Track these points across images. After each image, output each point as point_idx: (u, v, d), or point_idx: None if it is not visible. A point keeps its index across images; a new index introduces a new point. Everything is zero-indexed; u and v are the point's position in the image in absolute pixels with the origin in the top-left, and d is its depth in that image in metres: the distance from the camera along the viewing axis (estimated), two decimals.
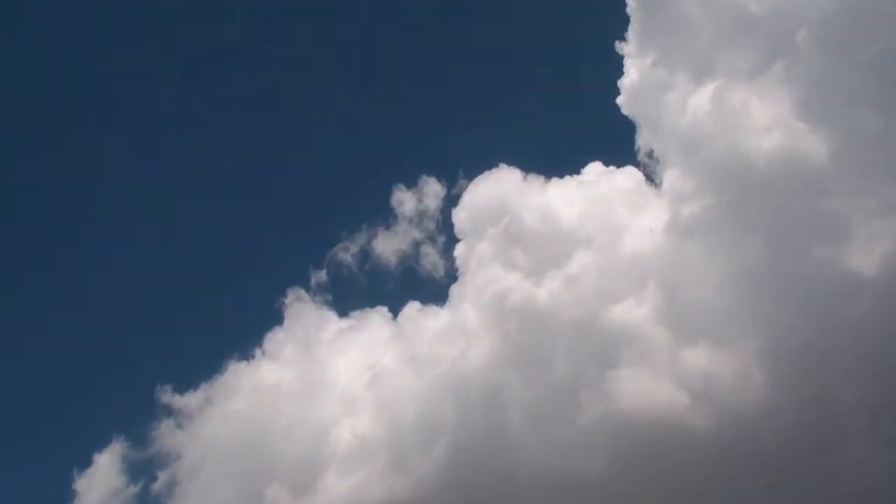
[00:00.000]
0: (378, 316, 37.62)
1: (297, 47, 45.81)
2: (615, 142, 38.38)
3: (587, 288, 34.08)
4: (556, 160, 39.36)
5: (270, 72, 45.13)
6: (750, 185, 32.33)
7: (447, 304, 36.46)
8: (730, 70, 34.23)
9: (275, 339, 37.42)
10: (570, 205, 36.64)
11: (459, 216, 37.76)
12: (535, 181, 37.64)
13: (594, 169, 37.90)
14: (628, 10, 35.87)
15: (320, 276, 39.35)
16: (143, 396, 36.66)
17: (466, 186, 38.12)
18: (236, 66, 45.57)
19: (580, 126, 42.05)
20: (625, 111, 36.30)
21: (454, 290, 36.60)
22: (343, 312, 38.13)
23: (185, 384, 36.55)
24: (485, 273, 35.87)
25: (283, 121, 45.58)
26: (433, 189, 40.41)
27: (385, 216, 40.39)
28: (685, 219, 33.84)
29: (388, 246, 39.95)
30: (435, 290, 38.28)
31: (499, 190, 37.33)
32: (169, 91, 44.68)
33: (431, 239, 40.01)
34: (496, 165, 37.96)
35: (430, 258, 39.73)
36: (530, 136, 41.98)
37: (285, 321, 37.86)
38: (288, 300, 38.14)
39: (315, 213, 44.64)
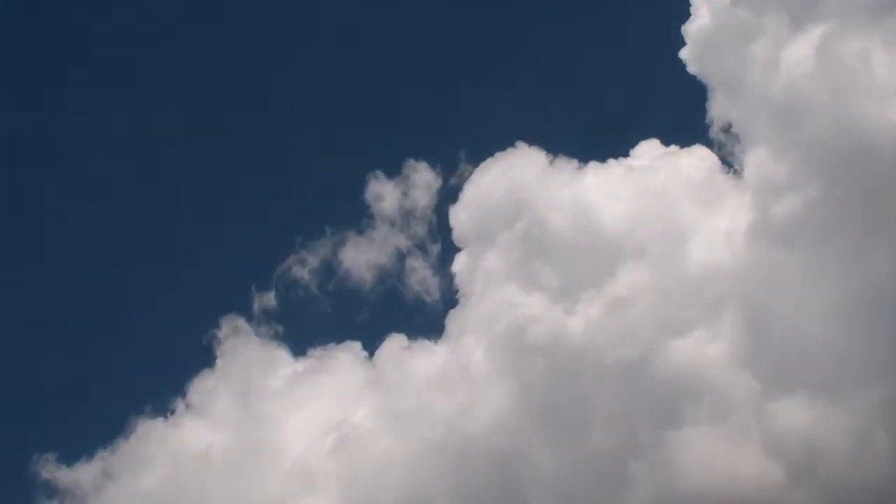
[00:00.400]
0: (347, 355, 37.23)
1: None
2: (678, 112, 39.03)
3: (639, 316, 33.54)
4: (595, 138, 39.22)
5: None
6: (872, 173, 31.90)
7: (443, 338, 36.14)
8: (843, 9, 34.03)
9: (203, 387, 37.16)
10: (616, 200, 36.10)
11: (460, 217, 37.40)
12: (567, 167, 37.32)
13: (649, 150, 37.43)
14: None
15: (266, 299, 39.14)
16: (15, 470, 36.46)
17: (470, 175, 37.90)
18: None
19: (629, 90, 41.96)
20: (692, 69, 36.15)
21: (453, 318, 36.33)
22: (298, 350, 37.90)
23: (75, 452, 36.33)
24: (496, 295, 35.50)
25: (215, 86, 45.10)
26: (424, 178, 40.12)
27: (357, 216, 40.24)
28: (777, 220, 33.32)
29: (360, 257, 39.81)
30: (426, 320, 38.32)
31: (515, 179, 36.99)
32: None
33: (421, 248, 39.76)
34: (512, 145, 37.67)
35: (420, 274, 39.47)
36: (559, 105, 42.19)
37: (217, 362, 37.58)
38: (221, 333, 38.04)
39: (259, 213, 43.84)
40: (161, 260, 42.33)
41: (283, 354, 37.85)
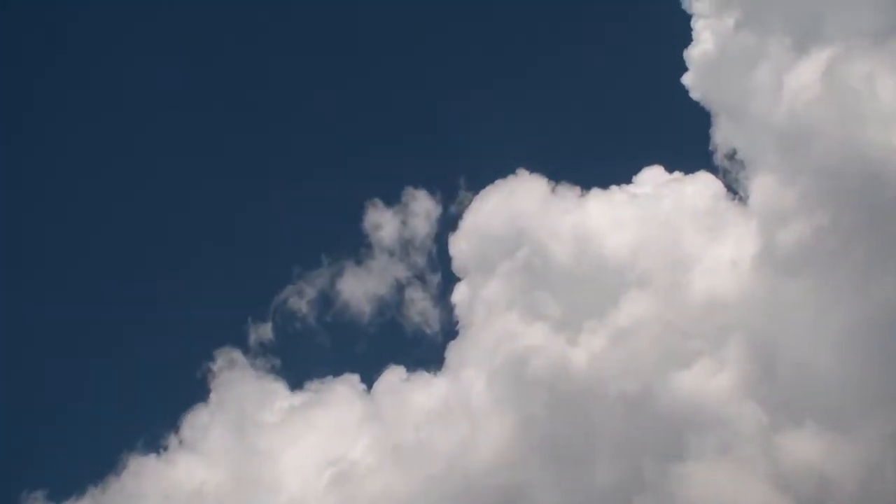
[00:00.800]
0: (345, 388, 37.20)
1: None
2: (682, 138, 38.75)
3: (643, 347, 33.70)
4: (597, 165, 39.21)
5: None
6: (880, 199, 32.07)
7: (443, 370, 36.22)
8: (847, 32, 34.35)
9: (197, 421, 36.95)
10: (619, 228, 36.30)
11: (460, 246, 37.68)
12: (569, 194, 37.63)
13: (652, 176, 37.71)
14: None
15: (263, 331, 39.06)
16: None
17: (470, 202, 38.22)
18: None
19: (631, 116, 41.79)
20: (695, 94, 36.61)
21: (453, 350, 36.48)
22: (295, 383, 37.83)
23: (65, 489, 35.82)
24: (496, 326, 35.65)
25: (210, 111, 44.70)
26: (423, 206, 40.19)
27: (355, 245, 40.18)
28: (784, 247, 33.48)
29: (359, 288, 39.66)
30: (426, 351, 38.12)
31: (516, 207, 37.26)
32: None
33: (420, 278, 39.71)
34: (513, 172, 38.03)
35: (419, 305, 39.38)
36: (561, 131, 41.93)
37: (212, 396, 37.44)
38: (216, 366, 37.97)
39: (255, 242, 43.05)
40: (154, 290, 41.60)
41: (279, 388, 37.77)
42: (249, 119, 44.76)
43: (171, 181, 43.56)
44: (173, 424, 36.60)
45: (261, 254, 42.53)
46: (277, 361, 38.49)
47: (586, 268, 35.68)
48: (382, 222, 39.94)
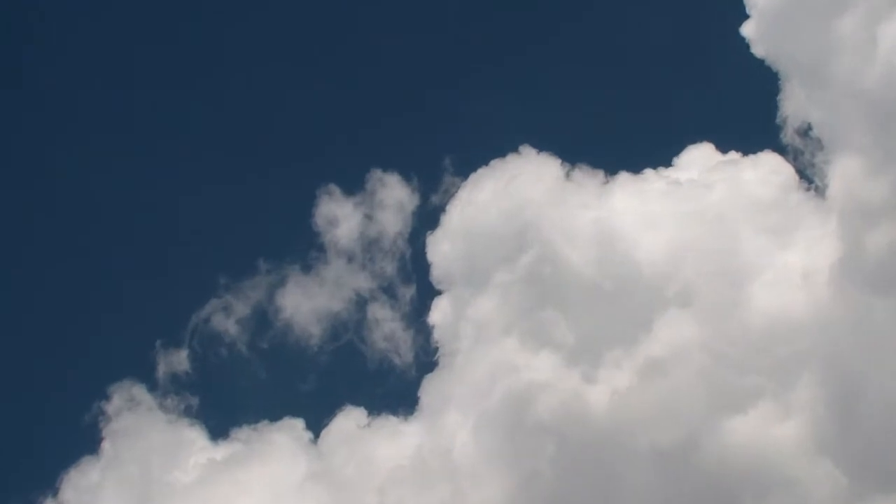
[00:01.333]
0: (285, 437, 37.29)
1: None
2: (739, 108, 39.28)
3: (684, 384, 33.94)
4: (627, 142, 39.66)
5: None
6: None
7: (417, 413, 36.48)
8: None
9: (83, 481, 36.80)
10: (654, 226, 36.60)
11: (442, 248, 37.90)
12: (589, 181, 37.94)
13: (700, 158, 37.97)
14: None
15: (175, 359, 38.94)
16: None
17: (457, 191, 38.53)
18: None
19: (673, 79, 42.22)
20: (758, 50, 36.54)
21: (430, 386, 36.73)
22: (218, 431, 37.78)
23: None
24: (489, 356, 35.89)
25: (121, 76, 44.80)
26: (394, 196, 40.32)
27: (302, 247, 40.23)
28: (872, 254, 33.63)
29: (306, 303, 39.62)
30: (394, 388, 38.32)
31: (518, 197, 37.45)
32: None
33: (388, 290, 39.75)
34: (514, 150, 38.27)
35: (386, 327, 39.39)
36: (579, 96, 42.09)
37: (104, 447, 37.31)
38: (111, 407, 37.72)
39: (168, 241, 43.16)
40: (29, 304, 42.05)
41: (196, 436, 37.81)
42: (166, 82, 45.21)
43: (70, 161, 43.77)
44: (51, 485, 36.68)
45: (175, 257, 42.73)
46: (195, 401, 38.58)
47: (610, 279, 35.81)
48: (339, 216, 40.12)
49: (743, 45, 36.69)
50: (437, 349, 37.26)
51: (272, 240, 40.89)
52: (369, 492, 35.13)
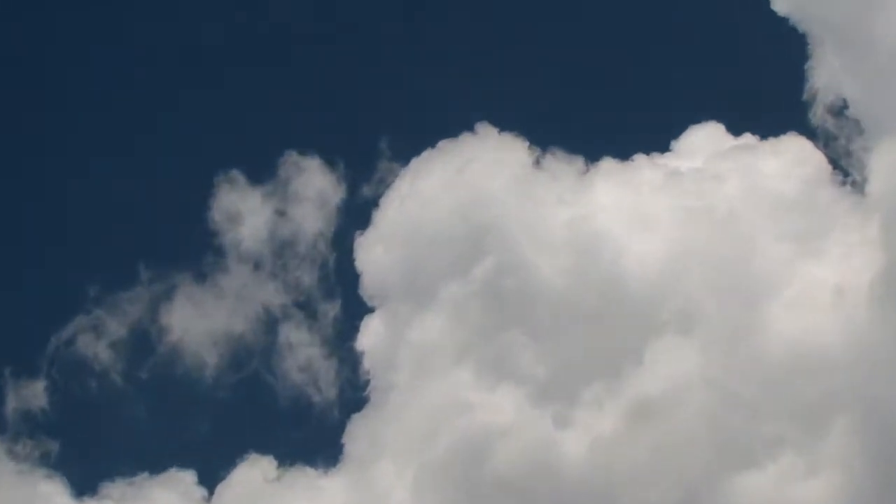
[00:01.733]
0: (171, 493, 37.56)
1: None
2: (758, 79, 39.92)
3: (686, 431, 34.32)
4: (613, 120, 40.63)
5: None
6: None
7: (341, 464, 37.06)
8: None
9: None
10: (646, 228, 37.24)
11: (374, 253, 38.62)
12: (564, 168, 38.66)
13: (706, 141, 38.78)
14: None
15: (30, 393, 39.35)
16: None
17: (394, 180, 39.47)
18: None
19: (672, 43, 42.97)
20: (781, 7, 37.43)
21: (358, 430, 37.24)
22: (84, 484, 37.86)
23: None
24: (434, 391, 36.48)
25: None
26: (314, 185, 40.99)
27: (195, 250, 40.98)
28: None
29: (199, 323, 40.31)
30: (312, 432, 39.01)
31: (474, 189, 38.05)
32: None
33: (305, 307, 40.45)
34: (469, 129, 38.93)
35: (302, 354, 39.95)
36: (552, 62, 42.71)
37: None
38: None
39: (22, 242, 43.56)
40: None
41: (55, 491, 37.77)
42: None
43: None
44: None
45: (31, 262, 43.11)
46: (54, 446, 38.81)
47: (591, 295, 36.18)
48: (243, 210, 40.65)
49: (765, 2, 37.45)
50: (367, 383, 37.82)
51: (156, 240, 41.50)
52: None
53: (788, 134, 37.93)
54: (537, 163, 38.23)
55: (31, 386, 39.15)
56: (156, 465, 37.58)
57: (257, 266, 40.52)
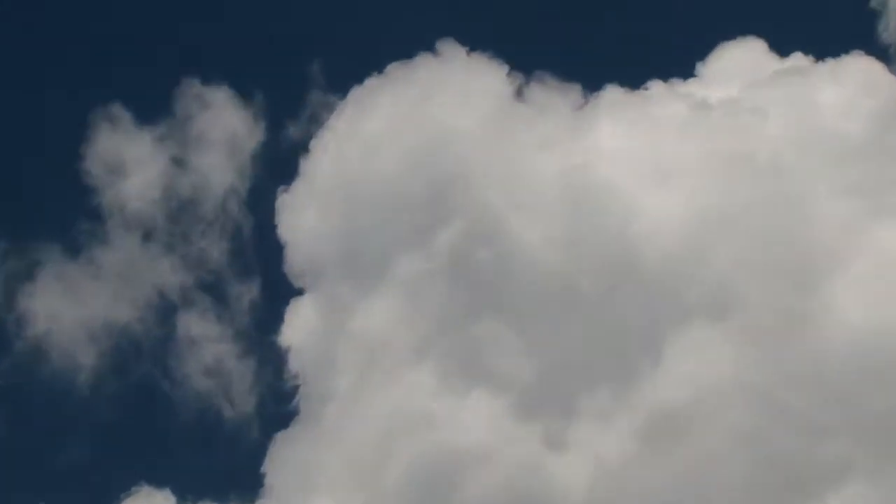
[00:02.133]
0: None
1: None
2: None
3: (717, 454, 35.02)
4: (618, 39, 41.02)
5: None
6: None
7: (261, 497, 38.27)
8: None
9: None
10: (665, 181, 37.80)
11: (302, 217, 39.44)
12: (554, 100, 39.31)
13: (741, 63, 40.67)
14: None
15: None
16: None
17: (329, 118, 39.89)
18: None
19: None
20: None
21: (281, 453, 38.93)
22: None
23: None
24: (384, 401, 37.81)
25: None
26: (222, 125, 41.66)
27: (65, 213, 41.90)
28: None
29: (69, 309, 41.44)
30: (222, 457, 40.13)
31: (435, 128, 38.25)
32: None
33: (212, 289, 41.33)
34: (429, 49, 39.61)
35: (209, 351, 40.60)
36: None
37: None
38: None
39: None
40: None
41: None
42: None
43: None
44: None
45: None
46: None
47: (592, 273, 36.30)
48: (128, 160, 41.06)
49: None
50: (294, 390, 38.65)
51: (12, 200, 41.46)
52: None
53: (852, 53, 38.18)
54: (519, 93, 38.50)
55: None
56: (18, 497, 39.21)
57: (147, 235, 41.34)
